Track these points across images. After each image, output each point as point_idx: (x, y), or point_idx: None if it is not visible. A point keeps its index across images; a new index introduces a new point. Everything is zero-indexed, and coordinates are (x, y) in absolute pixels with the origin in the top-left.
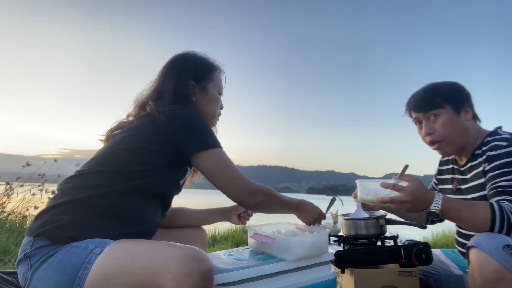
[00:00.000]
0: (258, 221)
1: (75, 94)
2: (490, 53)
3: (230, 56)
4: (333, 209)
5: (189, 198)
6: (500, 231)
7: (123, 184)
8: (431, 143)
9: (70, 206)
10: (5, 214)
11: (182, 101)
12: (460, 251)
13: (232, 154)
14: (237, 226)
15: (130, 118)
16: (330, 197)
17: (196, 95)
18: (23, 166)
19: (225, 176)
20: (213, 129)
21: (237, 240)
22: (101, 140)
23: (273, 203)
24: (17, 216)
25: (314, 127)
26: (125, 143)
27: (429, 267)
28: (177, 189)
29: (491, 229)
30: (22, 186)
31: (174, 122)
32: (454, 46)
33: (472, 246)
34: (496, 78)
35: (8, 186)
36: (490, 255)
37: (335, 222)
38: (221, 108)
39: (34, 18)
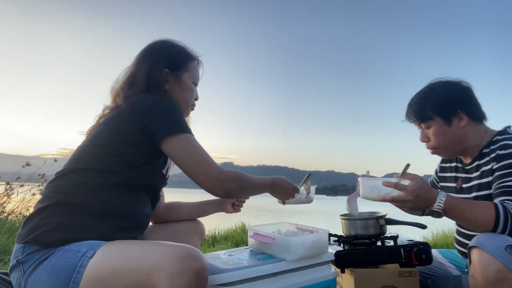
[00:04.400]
0: (258, 221)
1: (75, 94)
2: (491, 53)
3: (230, 56)
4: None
5: (190, 198)
6: (503, 232)
7: (105, 180)
8: (428, 148)
9: (56, 208)
10: (5, 214)
11: (155, 88)
12: (459, 251)
13: (232, 154)
14: (237, 225)
15: (106, 112)
16: (331, 198)
17: (169, 83)
18: (23, 166)
19: (193, 162)
20: (187, 119)
21: (237, 240)
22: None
23: (246, 188)
24: (17, 216)
25: (314, 127)
26: (98, 139)
27: (427, 268)
28: (162, 179)
29: (494, 230)
30: (22, 186)
31: (143, 108)
32: (454, 46)
33: (474, 246)
34: (497, 78)
35: (8, 186)
36: (492, 255)
37: (308, 193)
38: (196, 99)
39: (34, 17)
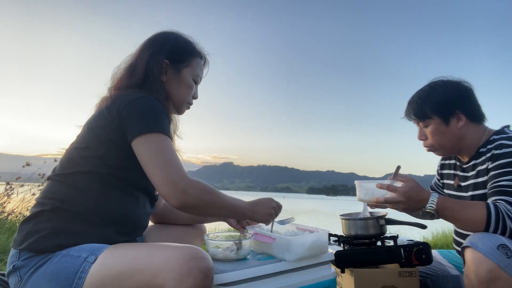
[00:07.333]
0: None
1: (75, 94)
2: (490, 51)
3: (230, 55)
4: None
5: None
6: (495, 232)
7: (94, 183)
8: (425, 147)
9: (50, 214)
10: (5, 214)
11: (151, 78)
12: (457, 250)
13: (232, 154)
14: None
15: (101, 103)
16: (330, 198)
17: (167, 75)
18: (23, 166)
19: (154, 164)
20: (176, 117)
21: None
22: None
23: (211, 203)
24: (17, 216)
25: (314, 127)
26: (81, 141)
27: (426, 268)
28: None
29: (486, 230)
30: (22, 186)
31: (120, 105)
32: (454, 44)
33: (467, 246)
34: (497, 77)
35: (8, 186)
36: (485, 255)
37: (239, 248)
38: (195, 98)
39: (34, 18)
